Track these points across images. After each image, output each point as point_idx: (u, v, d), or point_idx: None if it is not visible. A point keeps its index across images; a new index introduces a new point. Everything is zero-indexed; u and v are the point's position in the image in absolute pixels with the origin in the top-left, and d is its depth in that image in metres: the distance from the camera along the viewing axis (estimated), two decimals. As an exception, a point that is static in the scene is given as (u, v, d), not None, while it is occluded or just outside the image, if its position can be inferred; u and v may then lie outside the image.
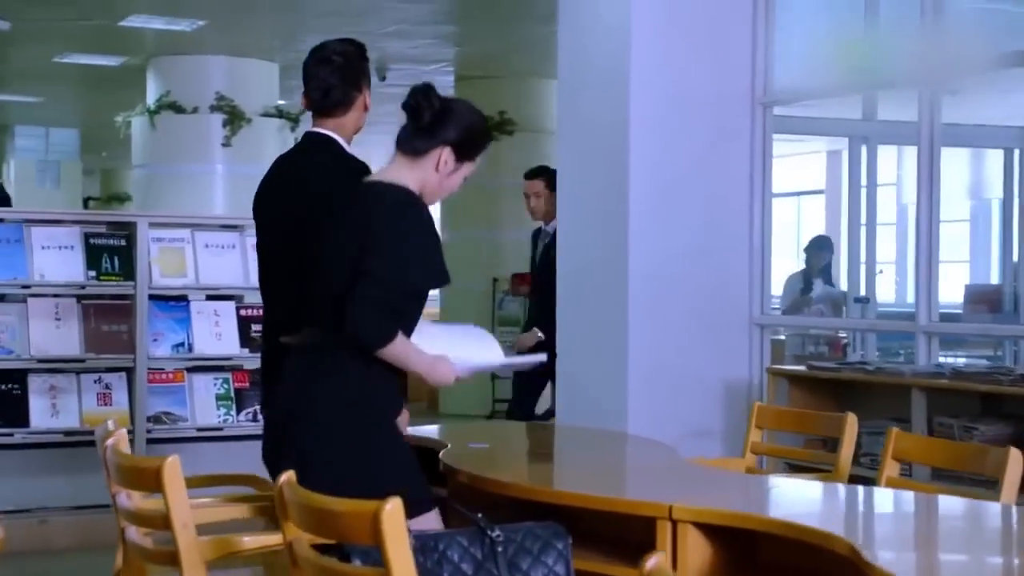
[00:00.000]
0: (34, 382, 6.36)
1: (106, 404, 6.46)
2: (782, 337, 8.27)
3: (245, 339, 6.66)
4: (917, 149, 5.78)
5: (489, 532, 2.75)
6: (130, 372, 6.49)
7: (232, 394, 6.67)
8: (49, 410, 6.35)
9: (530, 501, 3.11)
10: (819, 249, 9.17)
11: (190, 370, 6.65)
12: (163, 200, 12.22)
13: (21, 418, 6.29)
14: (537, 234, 7.69)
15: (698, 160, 6.50)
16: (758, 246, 6.63)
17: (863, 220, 7.68)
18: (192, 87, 12.27)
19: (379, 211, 3.41)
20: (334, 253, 3.46)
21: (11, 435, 6.27)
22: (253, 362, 6.58)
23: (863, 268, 7.74)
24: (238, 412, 6.66)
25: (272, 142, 12.59)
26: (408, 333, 3.44)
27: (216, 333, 6.64)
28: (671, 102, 6.41)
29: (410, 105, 3.53)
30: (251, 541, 3.31)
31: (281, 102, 13.91)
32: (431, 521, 3.33)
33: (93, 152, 20.31)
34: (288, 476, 2.56)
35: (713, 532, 2.89)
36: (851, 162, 7.78)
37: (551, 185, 7.22)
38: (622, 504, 2.99)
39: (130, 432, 6.39)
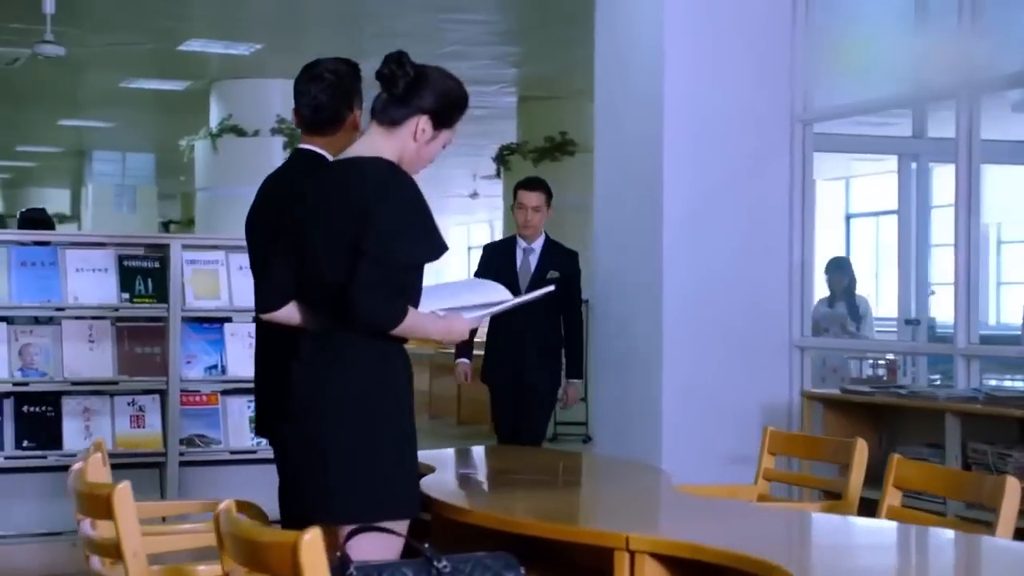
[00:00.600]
0: (68, 404, 6.37)
1: (139, 426, 6.45)
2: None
3: (278, 361, 6.62)
4: (955, 166, 5.61)
5: (436, 563, 2.66)
6: (163, 394, 6.48)
7: (266, 417, 6.63)
8: (82, 432, 6.35)
9: (500, 531, 3.01)
10: (836, 270, 8.97)
11: (224, 392, 6.62)
12: (224, 223, 12.29)
13: (54, 440, 6.30)
14: (500, 248, 7.05)
15: (735, 179, 6.38)
16: (798, 266, 6.48)
17: (914, 240, 7.46)
18: (253, 110, 12.38)
19: (363, 188, 3.32)
20: (326, 237, 3.36)
21: (44, 457, 6.28)
22: (287, 384, 6.55)
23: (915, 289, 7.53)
24: (272, 435, 6.61)
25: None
26: (415, 304, 3.39)
27: (250, 355, 6.59)
28: (706, 120, 6.30)
29: (384, 74, 3.44)
30: (205, 571, 3.24)
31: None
32: (402, 528, 3.25)
33: (171, 176, 20.56)
34: (227, 505, 2.48)
35: (673, 563, 2.77)
36: (901, 181, 7.58)
37: (550, 200, 6.85)
38: (579, 534, 2.88)
39: (163, 455, 6.40)
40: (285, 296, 3.49)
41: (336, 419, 3.28)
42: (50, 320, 6.44)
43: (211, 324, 6.60)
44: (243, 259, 6.69)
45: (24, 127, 16.99)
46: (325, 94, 4.05)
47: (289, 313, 3.50)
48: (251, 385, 6.61)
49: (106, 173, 19.88)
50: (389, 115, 3.44)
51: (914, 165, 7.45)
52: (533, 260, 6.78)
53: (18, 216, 9.51)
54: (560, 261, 6.78)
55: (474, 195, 21.93)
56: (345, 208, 3.33)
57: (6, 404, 6.22)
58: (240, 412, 6.62)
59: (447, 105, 3.49)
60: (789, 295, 6.48)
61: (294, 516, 3.44)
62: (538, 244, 6.81)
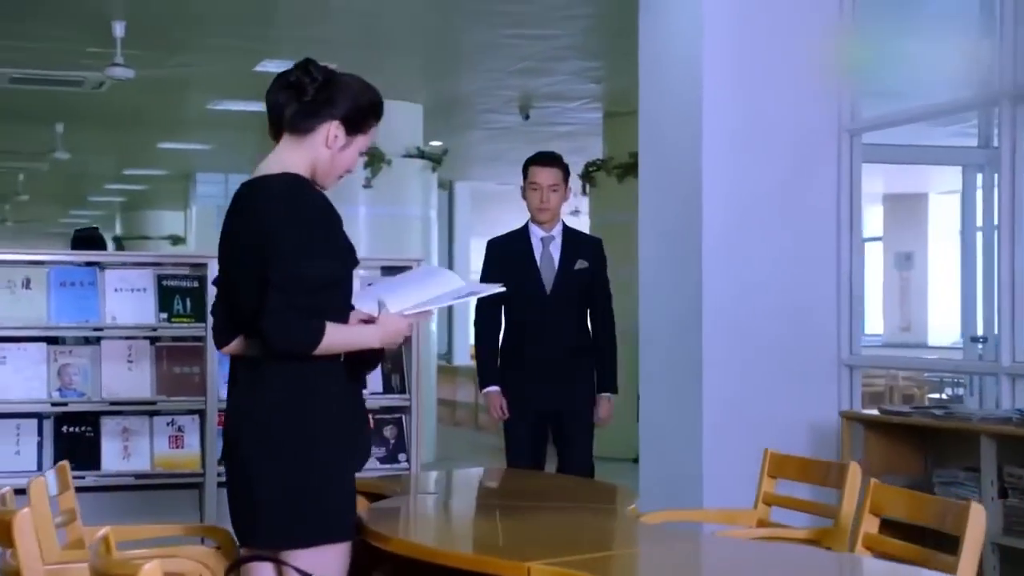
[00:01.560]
0: (107, 425, 6.37)
1: (178, 447, 6.43)
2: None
3: (319, 381, 6.56)
4: (997, 174, 5.35)
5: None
6: (202, 414, 6.46)
7: (306, 437, 6.58)
8: (121, 453, 6.35)
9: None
10: None
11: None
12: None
13: (93, 461, 6.31)
14: (511, 242, 6.04)
15: (778, 192, 6.18)
16: (846, 281, 6.25)
17: (979, 255, 7.16)
18: (334, 130, 12.39)
19: (266, 211, 3.21)
20: (240, 266, 3.27)
21: (83, 478, 6.29)
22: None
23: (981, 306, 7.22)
24: (311, 455, 6.56)
25: (414, 183, 12.63)
26: (342, 319, 3.26)
27: (289, 375, 6.57)
28: (747, 131, 6.11)
29: (291, 82, 3.34)
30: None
31: (437, 142, 13.98)
32: (338, 554, 3.16)
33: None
34: (104, 533, 2.41)
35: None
36: (965, 194, 7.28)
37: (568, 179, 6.02)
38: (481, 563, 2.72)
39: (201, 475, 6.38)
40: (229, 332, 3.41)
41: (260, 442, 3.19)
42: (87, 341, 6.46)
43: (250, 343, 6.57)
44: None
45: (126, 151, 17.29)
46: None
47: (239, 345, 3.42)
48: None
49: (209, 195, 20.18)
50: (300, 124, 3.34)
51: (979, 176, 7.15)
52: (555, 250, 5.92)
53: (72, 235, 9.60)
54: (586, 249, 6.03)
55: (575, 212, 21.72)
56: (250, 235, 3.24)
57: (46, 424, 6.25)
58: (279, 432, 6.59)
59: (359, 110, 3.38)
60: (837, 311, 6.26)
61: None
62: (557, 231, 5.96)
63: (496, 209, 21.11)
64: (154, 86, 11.79)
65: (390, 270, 6.09)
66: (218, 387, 6.45)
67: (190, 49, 10.45)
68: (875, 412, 5.60)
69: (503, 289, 3.69)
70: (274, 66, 11.01)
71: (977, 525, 2.84)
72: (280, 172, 3.28)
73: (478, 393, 6.61)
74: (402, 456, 6.51)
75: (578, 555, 2.77)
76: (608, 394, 6.04)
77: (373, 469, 6.51)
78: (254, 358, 3.26)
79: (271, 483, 3.15)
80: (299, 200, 3.24)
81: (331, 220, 3.29)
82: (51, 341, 6.29)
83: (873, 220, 19.51)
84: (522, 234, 5.97)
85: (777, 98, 6.15)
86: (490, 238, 6.11)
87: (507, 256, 5.91)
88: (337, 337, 3.20)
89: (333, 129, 3.34)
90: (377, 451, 6.55)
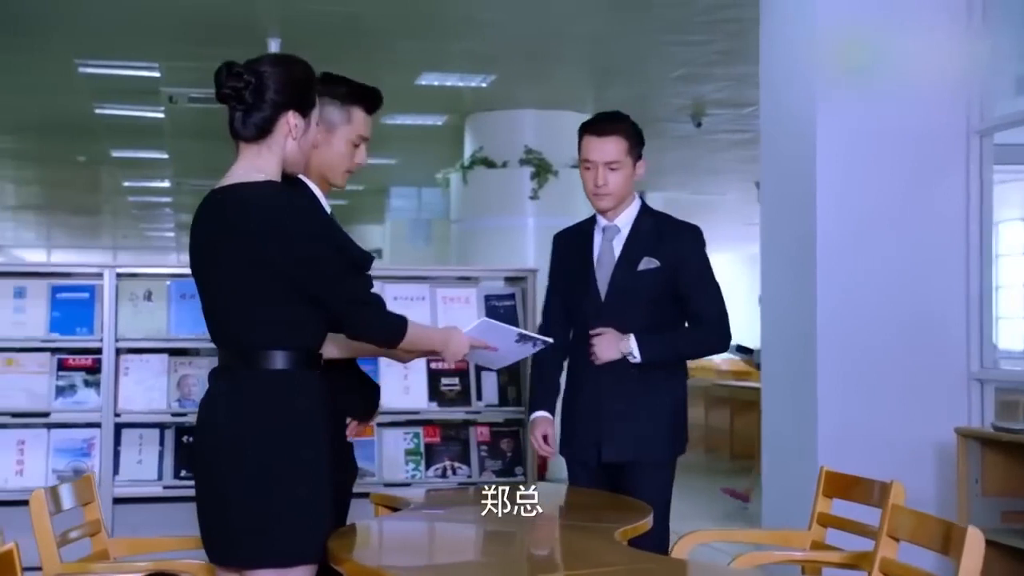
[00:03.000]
0: (225, 435, 6.48)
1: (294, 457, 6.49)
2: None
3: (434, 392, 6.54)
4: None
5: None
6: (317, 425, 6.50)
7: (422, 449, 6.56)
8: (240, 463, 6.44)
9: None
10: None
11: (380, 425, 6.58)
12: (477, 254, 12.39)
13: (212, 470, 6.42)
14: (574, 235, 4.69)
15: (900, 198, 5.88)
16: (976, 291, 5.90)
17: None
18: (503, 141, 12.43)
19: (274, 221, 3.08)
20: (218, 275, 3.18)
21: (202, 486, 6.40)
22: (443, 415, 6.48)
23: None
24: (427, 467, 6.54)
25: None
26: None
27: (404, 387, 6.56)
28: (863, 136, 5.82)
29: (226, 93, 3.18)
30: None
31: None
32: (303, 574, 3.09)
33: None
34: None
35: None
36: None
37: (638, 151, 4.46)
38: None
39: (317, 486, 6.41)
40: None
41: (232, 459, 3.12)
42: (206, 351, 6.57)
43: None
44: (398, 290, 6.69)
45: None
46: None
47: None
48: (406, 417, 6.66)
49: (402, 208, 20.44)
50: (253, 129, 3.20)
51: None
52: (618, 245, 4.47)
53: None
54: (665, 243, 4.44)
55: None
56: (250, 247, 3.10)
57: (166, 434, 6.37)
58: (396, 444, 6.58)
59: (301, 88, 3.24)
60: (967, 322, 5.91)
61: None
62: (625, 220, 4.49)
63: (692, 218, 20.76)
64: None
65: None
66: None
67: (345, 64, 10.57)
68: (990, 430, 5.26)
69: (550, 341, 3.59)
70: (436, 79, 11.09)
71: (975, 550, 2.60)
72: (254, 181, 3.18)
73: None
74: (519, 469, 6.45)
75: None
76: (634, 343, 4.35)
77: (487, 481, 6.47)
78: (233, 373, 3.21)
79: (239, 500, 3.09)
80: (302, 204, 3.19)
81: (329, 217, 3.30)
82: (172, 352, 6.43)
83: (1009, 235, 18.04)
84: (587, 225, 4.62)
85: (900, 98, 5.85)
86: (557, 231, 4.88)
87: (567, 254, 4.65)
88: (414, 329, 3.29)
89: (290, 118, 3.22)
90: (493, 464, 6.50)
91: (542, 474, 11.38)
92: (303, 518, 3.09)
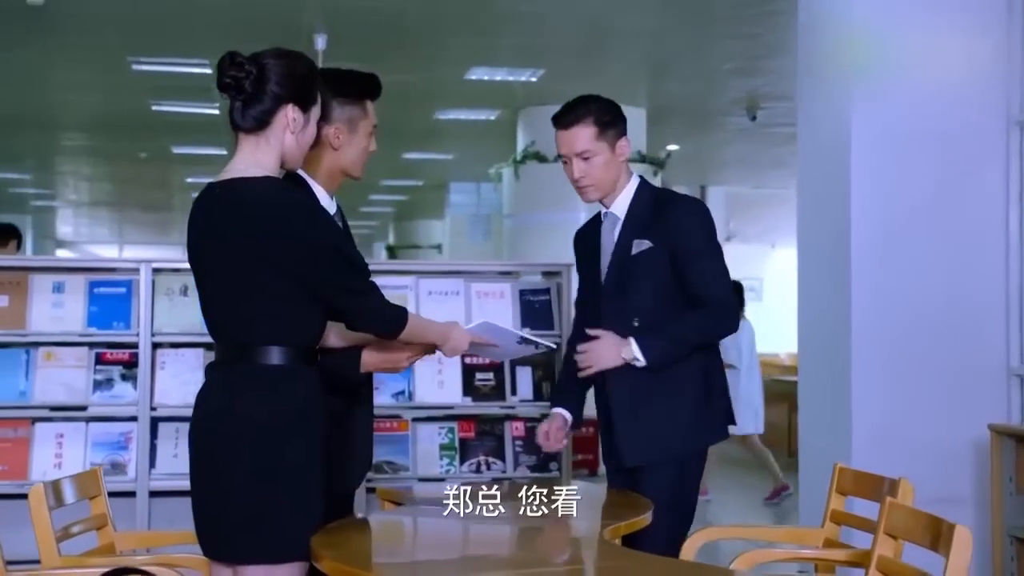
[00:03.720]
0: (261, 430, 6.50)
1: (330, 451, 6.50)
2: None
3: (468, 387, 6.52)
4: None
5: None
6: (353, 420, 6.50)
7: (456, 444, 6.55)
8: (275, 457, 6.46)
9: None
10: None
11: (415, 420, 6.58)
12: (528, 249, 12.36)
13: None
14: (588, 230, 4.41)
15: (935, 191, 5.77)
16: (1017, 284, 5.78)
17: None
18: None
19: (277, 216, 3.08)
20: (217, 270, 3.18)
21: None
22: (477, 410, 6.47)
23: None
24: (461, 462, 6.52)
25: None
26: None
27: (439, 381, 6.54)
28: (899, 127, 5.73)
29: (227, 82, 3.16)
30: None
31: (674, 146, 13.78)
32: (292, 572, 3.07)
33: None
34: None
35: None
36: None
37: (611, 133, 4.14)
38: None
39: (351, 480, 6.42)
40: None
41: (228, 453, 3.12)
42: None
43: (401, 350, 6.58)
44: (432, 284, 6.67)
45: (375, 162, 17.72)
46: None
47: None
48: (439, 412, 6.64)
49: (461, 204, 20.47)
50: (252, 121, 3.18)
51: None
52: (617, 231, 4.19)
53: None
54: (657, 221, 4.10)
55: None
56: (251, 240, 3.10)
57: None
58: (430, 439, 6.56)
59: (303, 83, 3.22)
60: (1007, 317, 5.79)
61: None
62: (621, 204, 4.20)
63: (754, 212, 20.72)
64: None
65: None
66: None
67: (393, 59, 10.59)
68: (1021, 425, 5.16)
69: (552, 347, 3.55)
70: (484, 73, 11.08)
71: (962, 549, 2.54)
72: (263, 176, 3.16)
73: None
74: (553, 465, 6.41)
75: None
76: (636, 348, 4.03)
77: (523, 478, 6.45)
78: (230, 367, 3.20)
79: (233, 494, 3.09)
80: (301, 201, 3.19)
81: (328, 215, 3.29)
82: (207, 347, 6.46)
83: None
84: (598, 217, 4.38)
85: (936, 88, 5.74)
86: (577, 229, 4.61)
87: (583, 251, 4.41)
88: (414, 320, 3.33)
89: (289, 112, 3.20)
90: (527, 459, 6.47)
91: (593, 472, 11.37)
92: (296, 514, 3.09)
